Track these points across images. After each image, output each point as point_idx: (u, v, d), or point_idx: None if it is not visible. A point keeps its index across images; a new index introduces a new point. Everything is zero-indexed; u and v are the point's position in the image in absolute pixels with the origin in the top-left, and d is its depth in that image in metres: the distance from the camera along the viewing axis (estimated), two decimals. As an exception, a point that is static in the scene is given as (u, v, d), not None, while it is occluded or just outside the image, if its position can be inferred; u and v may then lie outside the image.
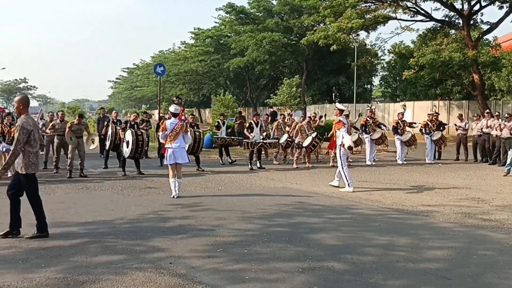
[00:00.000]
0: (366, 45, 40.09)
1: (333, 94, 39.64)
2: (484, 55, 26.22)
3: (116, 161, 14.58)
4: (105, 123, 16.19)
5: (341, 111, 10.80)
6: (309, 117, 16.57)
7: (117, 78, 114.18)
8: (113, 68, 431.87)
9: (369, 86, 47.92)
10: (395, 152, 17.11)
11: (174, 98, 10.57)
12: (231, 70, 47.46)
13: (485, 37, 31.79)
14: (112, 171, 13.62)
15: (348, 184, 10.27)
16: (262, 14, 43.71)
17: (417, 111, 32.08)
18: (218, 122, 16.52)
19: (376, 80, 48.11)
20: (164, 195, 9.71)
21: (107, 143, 13.73)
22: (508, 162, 13.15)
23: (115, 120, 15.27)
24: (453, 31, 29.22)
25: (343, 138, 10.33)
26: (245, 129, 15.22)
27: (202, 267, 5.09)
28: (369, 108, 18.10)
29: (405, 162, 16.17)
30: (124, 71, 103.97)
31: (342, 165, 10.41)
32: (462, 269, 5.00)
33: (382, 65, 43.57)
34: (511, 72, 30.93)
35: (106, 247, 5.85)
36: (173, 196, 9.32)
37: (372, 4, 29.05)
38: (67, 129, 12.69)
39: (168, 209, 8.22)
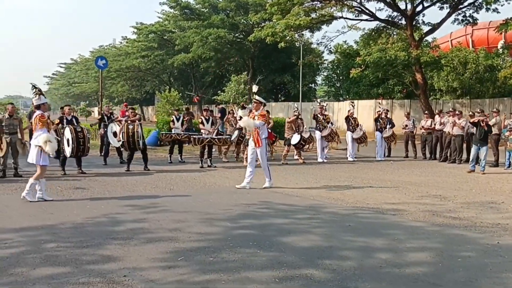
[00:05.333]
0: (311, 44, 40.22)
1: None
2: (425, 55, 26.88)
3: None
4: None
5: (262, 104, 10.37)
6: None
7: (53, 74, 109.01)
8: (49, 63, 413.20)
9: (313, 85, 48.17)
10: (345, 149, 16.95)
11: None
12: (176, 67, 46.18)
13: (424, 38, 32.69)
14: (49, 170, 12.49)
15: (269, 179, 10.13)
16: (207, 10, 42.88)
17: (361, 110, 32.41)
18: (173, 117, 15.65)
19: (319, 79, 48.52)
20: (110, 195, 8.84)
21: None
22: (471, 159, 13.20)
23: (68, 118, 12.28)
24: (396, 31, 29.78)
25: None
26: (199, 124, 14.53)
27: (163, 280, 4.38)
28: (318, 103, 17.72)
29: (355, 159, 16.02)
30: (61, 67, 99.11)
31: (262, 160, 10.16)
32: (452, 274, 4.57)
33: (325, 65, 43.93)
34: (449, 72, 32.00)
35: (47, 257, 5.01)
36: None
37: (319, 3, 29.07)
38: None
39: (118, 211, 7.39)
